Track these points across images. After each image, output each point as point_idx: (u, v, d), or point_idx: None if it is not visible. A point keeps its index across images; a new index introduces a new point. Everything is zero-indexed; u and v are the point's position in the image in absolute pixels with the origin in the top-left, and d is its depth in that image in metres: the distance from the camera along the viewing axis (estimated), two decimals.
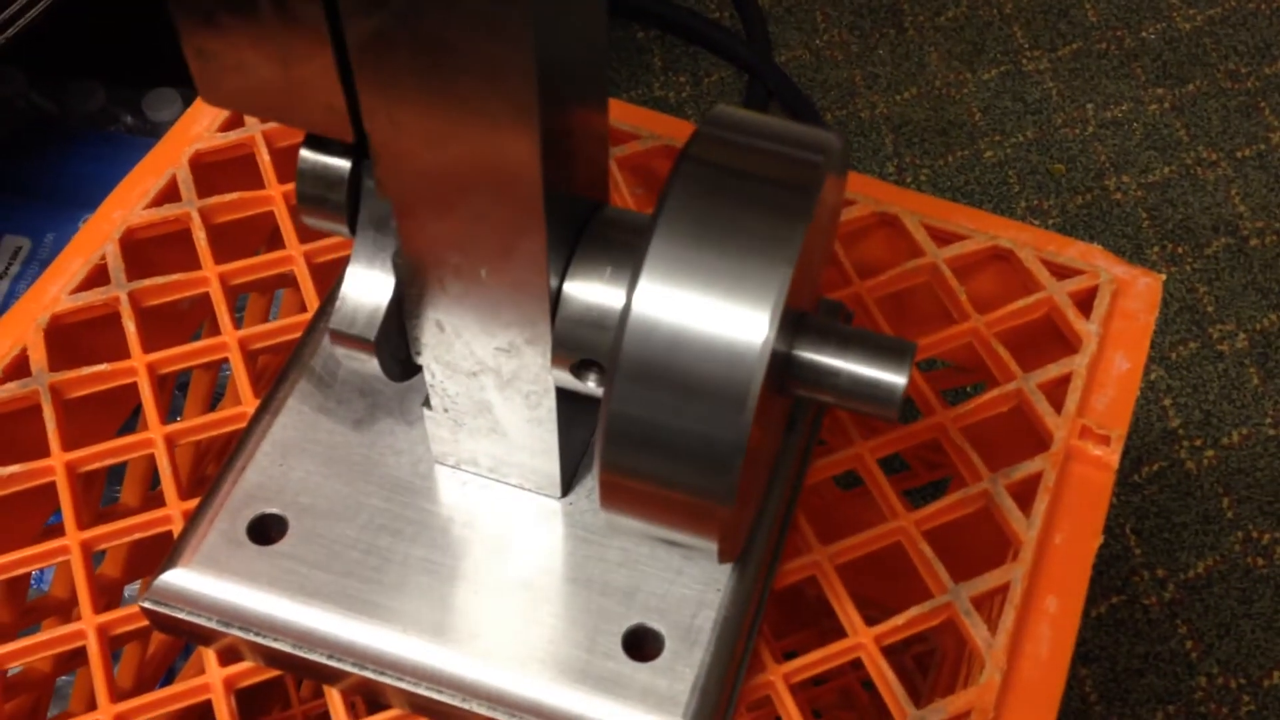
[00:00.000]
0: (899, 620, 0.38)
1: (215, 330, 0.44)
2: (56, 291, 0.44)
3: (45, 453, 0.41)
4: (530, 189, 0.28)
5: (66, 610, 0.48)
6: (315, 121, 0.30)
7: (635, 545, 0.37)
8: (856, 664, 0.38)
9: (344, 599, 0.36)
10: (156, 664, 0.56)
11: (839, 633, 0.38)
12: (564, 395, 0.34)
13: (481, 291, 0.32)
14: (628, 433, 0.29)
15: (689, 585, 0.36)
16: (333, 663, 0.36)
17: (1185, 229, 1.18)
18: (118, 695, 0.37)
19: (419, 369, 0.36)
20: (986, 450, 0.41)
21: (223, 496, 0.38)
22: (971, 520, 0.41)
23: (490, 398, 0.35)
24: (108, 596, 0.49)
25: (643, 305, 0.28)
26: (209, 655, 0.37)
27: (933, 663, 0.62)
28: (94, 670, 0.37)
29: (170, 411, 0.49)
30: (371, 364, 0.34)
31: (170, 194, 0.47)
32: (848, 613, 0.38)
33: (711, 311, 0.28)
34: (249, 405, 0.42)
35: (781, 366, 0.31)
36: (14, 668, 0.39)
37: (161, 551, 0.38)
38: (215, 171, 0.48)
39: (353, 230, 0.33)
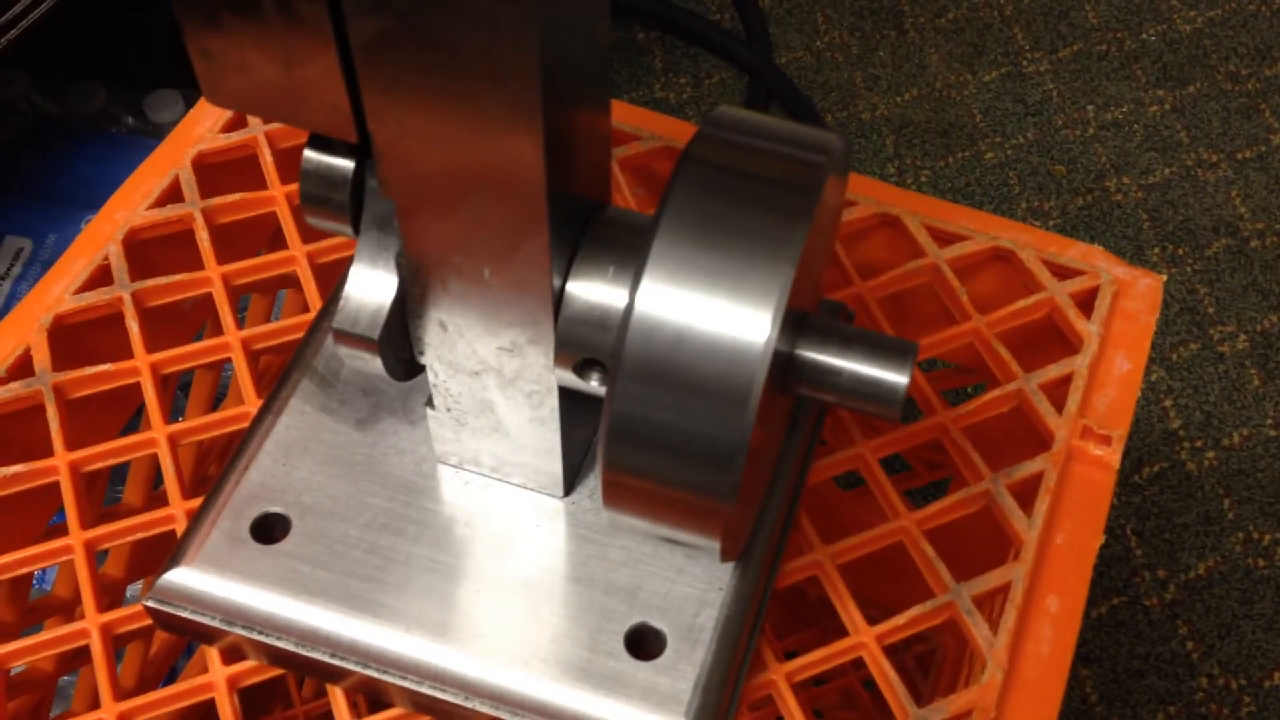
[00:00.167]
0: (900, 620, 0.38)
1: (218, 330, 0.44)
2: (60, 292, 0.44)
3: (48, 452, 0.41)
4: (533, 189, 0.28)
5: (69, 610, 0.48)
6: (319, 122, 0.30)
7: (637, 544, 0.37)
8: (858, 663, 0.38)
9: (347, 598, 0.36)
10: (159, 663, 0.57)
11: (840, 632, 0.38)
12: (566, 394, 0.34)
13: (484, 291, 0.32)
14: (630, 432, 0.29)
15: (691, 584, 0.37)
16: (336, 661, 0.36)
17: (1186, 230, 1.18)
18: (121, 694, 0.37)
19: (422, 369, 0.36)
20: (988, 450, 0.42)
21: (226, 496, 0.38)
22: (973, 520, 0.41)
23: (493, 397, 0.35)
24: (110, 596, 0.49)
25: (645, 305, 0.28)
26: (212, 654, 0.37)
27: (934, 662, 0.62)
28: (97, 669, 0.37)
29: (172, 411, 0.49)
30: (375, 363, 0.34)
31: (173, 194, 0.47)
32: (849, 612, 0.38)
33: (714, 311, 0.28)
34: (252, 405, 0.42)
35: (783, 366, 0.31)
36: (17, 667, 0.39)
37: (164, 551, 0.38)
38: (218, 172, 0.48)
39: (356, 230, 0.33)
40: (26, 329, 0.44)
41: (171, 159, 0.48)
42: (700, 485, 0.30)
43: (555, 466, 0.37)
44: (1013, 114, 1.26)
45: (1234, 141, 1.24)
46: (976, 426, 0.42)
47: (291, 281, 0.47)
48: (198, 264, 0.46)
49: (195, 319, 0.49)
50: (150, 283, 0.45)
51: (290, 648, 0.36)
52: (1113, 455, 0.42)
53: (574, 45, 0.28)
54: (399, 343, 0.34)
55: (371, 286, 0.33)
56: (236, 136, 0.49)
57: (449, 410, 0.36)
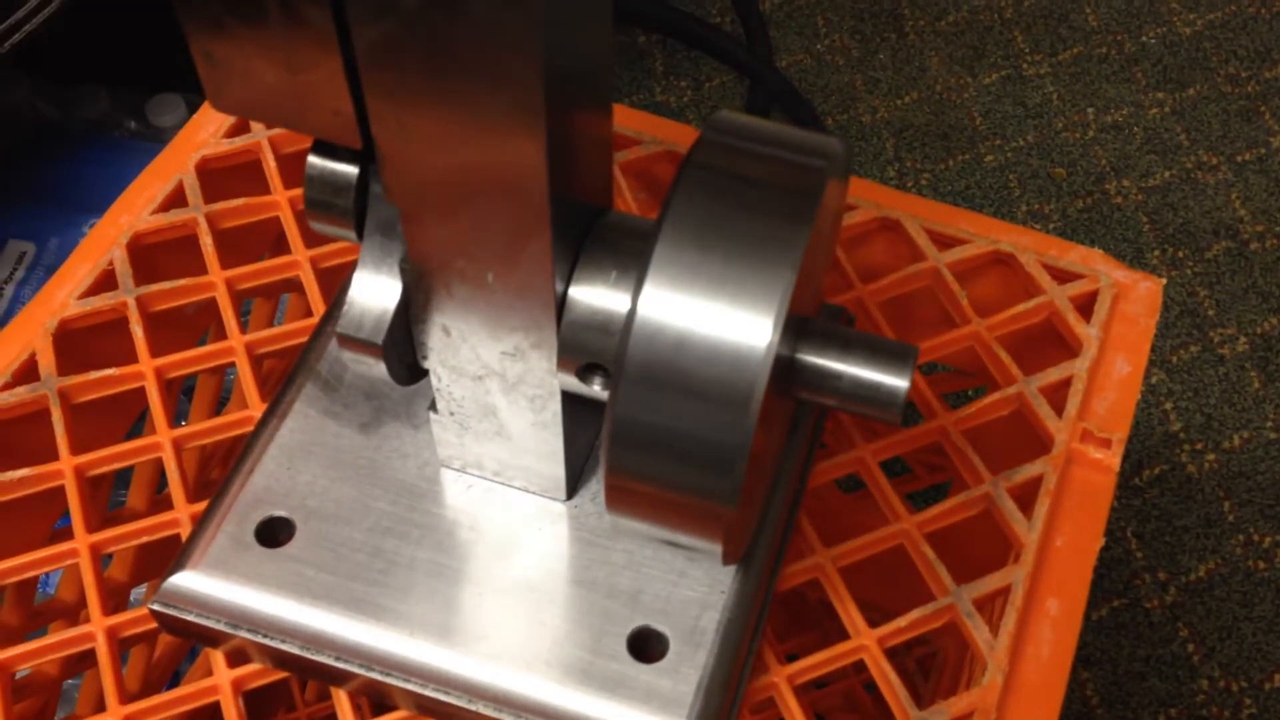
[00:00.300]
0: (901, 622, 0.38)
1: (221, 335, 0.44)
2: (64, 296, 0.45)
3: (54, 456, 0.41)
4: (536, 194, 0.29)
5: (74, 613, 0.49)
6: (323, 127, 0.30)
7: (640, 548, 0.38)
8: (859, 666, 0.38)
9: (351, 601, 0.36)
10: (163, 667, 0.57)
11: (842, 635, 0.39)
12: (569, 399, 0.35)
13: (487, 296, 0.32)
14: (633, 436, 0.29)
15: (693, 587, 0.37)
16: (340, 664, 0.36)
17: (1186, 233, 1.18)
18: (126, 697, 0.37)
19: (425, 373, 0.36)
20: (988, 453, 0.42)
21: (230, 500, 0.38)
22: (973, 523, 0.41)
23: (496, 401, 0.35)
24: (115, 599, 0.49)
25: (648, 309, 0.29)
26: (217, 657, 0.38)
27: (935, 665, 0.62)
28: (103, 672, 0.38)
29: (176, 416, 0.49)
30: (378, 368, 0.34)
31: (177, 199, 0.47)
32: (850, 615, 0.39)
33: (716, 316, 0.28)
34: (255, 409, 0.42)
35: (785, 370, 0.31)
36: (22, 670, 0.39)
37: (168, 555, 0.38)
38: (221, 177, 0.49)
39: (359, 235, 0.33)
40: (32, 333, 0.44)
41: (175, 164, 0.48)
42: (702, 489, 0.30)
43: (558, 470, 0.37)
44: (1013, 117, 1.27)
45: (1234, 144, 1.24)
46: (977, 429, 0.43)
47: (295, 286, 0.47)
48: (201, 269, 0.46)
49: (199, 324, 0.49)
50: (154, 287, 0.45)
51: (295, 651, 0.36)
52: (1113, 458, 0.42)
53: (578, 50, 0.28)
54: (402, 347, 0.34)
55: (375, 291, 0.33)
56: (240, 141, 0.49)
57: (452, 414, 0.37)
